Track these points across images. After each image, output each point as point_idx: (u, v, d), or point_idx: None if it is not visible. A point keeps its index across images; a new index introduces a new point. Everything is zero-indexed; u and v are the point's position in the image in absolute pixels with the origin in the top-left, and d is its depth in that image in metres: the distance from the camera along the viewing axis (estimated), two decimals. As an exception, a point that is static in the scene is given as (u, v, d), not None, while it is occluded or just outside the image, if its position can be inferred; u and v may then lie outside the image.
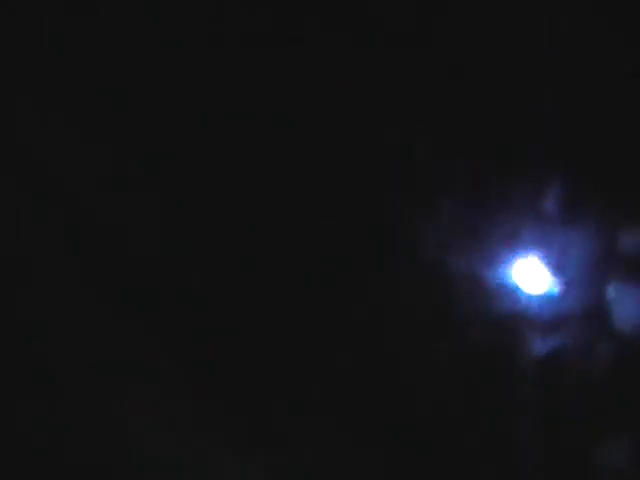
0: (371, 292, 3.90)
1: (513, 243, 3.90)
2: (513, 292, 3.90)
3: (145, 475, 4.01)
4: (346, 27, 3.93)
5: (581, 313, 3.89)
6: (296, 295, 3.99)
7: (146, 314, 4.02)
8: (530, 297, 3.91)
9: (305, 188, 3.95)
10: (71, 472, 3.94)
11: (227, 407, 4.03)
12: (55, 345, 3.98)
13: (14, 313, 3.95)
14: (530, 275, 3.91)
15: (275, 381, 4.01)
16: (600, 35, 3.83)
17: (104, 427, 4.02)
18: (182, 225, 3.98)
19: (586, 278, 3.90)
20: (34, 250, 3.97)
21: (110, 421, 4.02)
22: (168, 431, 4.04)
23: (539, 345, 3.87)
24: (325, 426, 3.99)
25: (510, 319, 3.89)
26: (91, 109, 3.94)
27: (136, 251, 3.96)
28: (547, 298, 3.90)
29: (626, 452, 3.96)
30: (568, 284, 3.88)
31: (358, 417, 3.98)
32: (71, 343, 3.97)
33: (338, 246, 3.90)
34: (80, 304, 4.01)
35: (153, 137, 3.98)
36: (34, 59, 3.93)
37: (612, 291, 3.91)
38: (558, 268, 3.87)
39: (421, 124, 3.87)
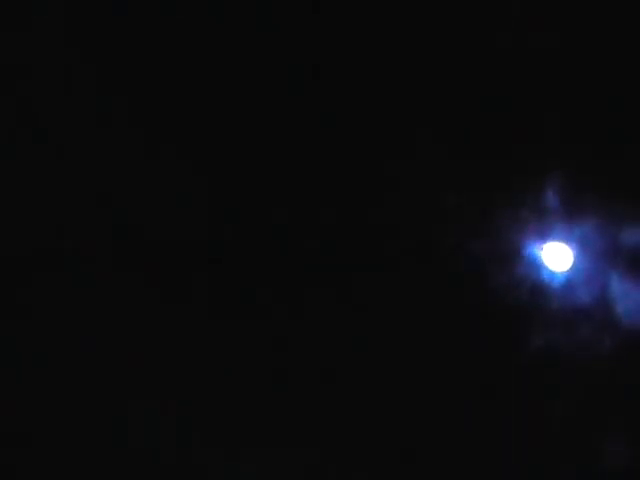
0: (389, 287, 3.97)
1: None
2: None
3: (148, 474, 4.00)
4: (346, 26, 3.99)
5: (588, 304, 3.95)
6: (301, 300, 4.04)
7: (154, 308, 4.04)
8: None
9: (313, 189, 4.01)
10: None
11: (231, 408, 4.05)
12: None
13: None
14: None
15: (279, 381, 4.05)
16: (601, 33, 3.89)
17: (106, 424, 4.02)
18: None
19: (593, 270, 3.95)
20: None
21: (113, 420, 4.02)
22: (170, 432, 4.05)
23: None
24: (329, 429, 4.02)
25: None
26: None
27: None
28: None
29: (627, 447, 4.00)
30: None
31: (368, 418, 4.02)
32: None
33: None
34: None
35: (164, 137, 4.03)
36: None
37: (615, 284, 3.94)
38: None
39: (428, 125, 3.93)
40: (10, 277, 3.97)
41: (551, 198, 3.91)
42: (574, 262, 3.98)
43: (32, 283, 3.99)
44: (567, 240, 3.98)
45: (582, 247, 3.97)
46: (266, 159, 4.05)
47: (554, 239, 3.99)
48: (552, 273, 3.99)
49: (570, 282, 3.98)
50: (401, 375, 4.04)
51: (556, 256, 3.98)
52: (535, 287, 3.99)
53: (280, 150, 4.02)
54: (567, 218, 3.95)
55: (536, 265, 3.98)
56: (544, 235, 3.98)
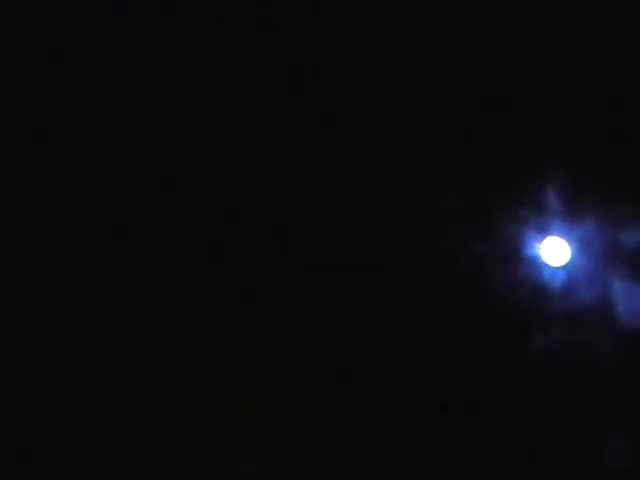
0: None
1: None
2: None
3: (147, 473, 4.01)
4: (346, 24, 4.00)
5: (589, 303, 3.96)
6: (306, 301, 4.06)
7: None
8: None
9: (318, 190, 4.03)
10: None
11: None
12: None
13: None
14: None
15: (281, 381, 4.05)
16: (601, 33, 3.89)
17: (106, 424, 4.02)
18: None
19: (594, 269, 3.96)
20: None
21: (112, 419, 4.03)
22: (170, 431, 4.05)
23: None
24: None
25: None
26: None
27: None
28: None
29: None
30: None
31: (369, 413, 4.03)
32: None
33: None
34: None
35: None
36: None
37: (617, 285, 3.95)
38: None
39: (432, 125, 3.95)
40: (10, 277, 3.98)
41: (552, 198, 3.91)
42: (575, 262, 3.98)
43: (32, 283, 3.99)
44: (568, 240, 3.98)
45: (582, 247, 3.97)
46: (266, 159, 4.05)
47: (554, 239, 3.99)
48: (552, 273, 3.99)
49: (570, 282, 3.98)
50: (401, 374, 4.04)
51: (556, 256, 3.98)
52: (535, 287, 3.99)
53: (280, 150, 4.02)
54: (567, 218, 3.95)
55: (536, 265, 3.98)
56: (544, 235, 3.98)
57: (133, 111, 3.99)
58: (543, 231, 3.97)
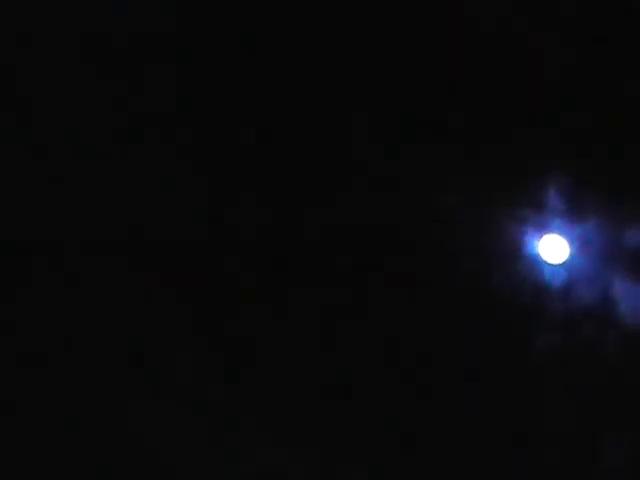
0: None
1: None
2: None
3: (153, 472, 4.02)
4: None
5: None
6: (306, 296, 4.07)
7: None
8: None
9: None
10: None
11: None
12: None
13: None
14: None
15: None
16: (601, 33, 3.91)
17: (106, 424, 4.03)
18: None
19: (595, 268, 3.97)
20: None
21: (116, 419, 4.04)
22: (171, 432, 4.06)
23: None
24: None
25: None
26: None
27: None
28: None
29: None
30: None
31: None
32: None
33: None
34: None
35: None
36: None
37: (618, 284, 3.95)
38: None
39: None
40: (10, 277, 3.98)
41: (552, 197, 3.92)
42: (574, 260, 3.99)
43: (31, 282, 4.00)
44: (567, 238, 3.99)
45: (582, 245, 3.98)
46: (266, 159, 4.05)
47: (554, 237, 4.00)
48: (552, 271, 4.00)
49: (570, 280, 3.99)
50: (401, 374, 4.05)
51: (556, 254, 3.99)
52: (535, 285, 4.00)
53: (280, 150, 4.03)
54: (568, 217, 3.96)
55: (536, 263, 3.99)
56: (544, 233, 3.99)
57: (133, 111, 3.99)
58: (543, 230, 3.98)
